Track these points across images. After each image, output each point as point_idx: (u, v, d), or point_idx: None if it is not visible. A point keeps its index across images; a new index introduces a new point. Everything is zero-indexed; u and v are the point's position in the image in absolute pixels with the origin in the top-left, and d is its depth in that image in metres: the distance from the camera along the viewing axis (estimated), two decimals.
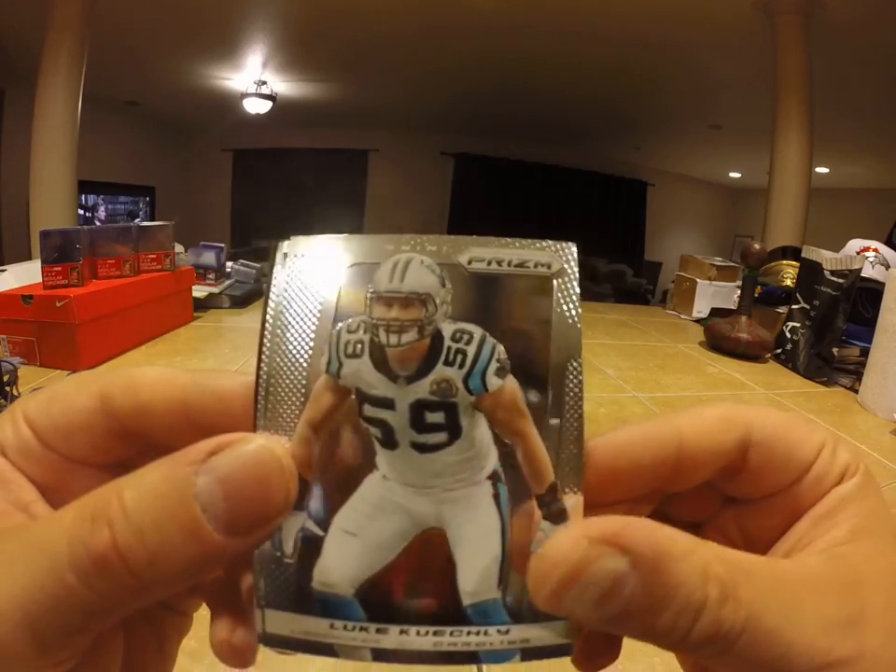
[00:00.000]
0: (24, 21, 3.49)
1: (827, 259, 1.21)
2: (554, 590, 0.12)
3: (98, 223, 5.71)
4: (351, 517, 0.13)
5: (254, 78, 5.15)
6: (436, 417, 0.13)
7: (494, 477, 0.13)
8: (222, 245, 1.43)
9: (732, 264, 1.77)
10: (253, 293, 1.47)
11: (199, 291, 1.31)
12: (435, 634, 0.13)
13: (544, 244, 0.14)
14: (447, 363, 0.13)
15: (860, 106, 4.22)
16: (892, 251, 1.49)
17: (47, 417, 0.15)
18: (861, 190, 6.09)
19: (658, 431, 0.15)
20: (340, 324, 0.13)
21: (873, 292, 1.23)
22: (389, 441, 0.13)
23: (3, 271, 1.10)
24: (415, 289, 0.13)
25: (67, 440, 0.15)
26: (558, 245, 0.14)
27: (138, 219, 5.88)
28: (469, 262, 0.13)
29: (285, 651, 0.13)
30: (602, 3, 3.46)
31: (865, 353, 1.10)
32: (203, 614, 0.17)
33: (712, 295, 1.72)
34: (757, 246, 1.31)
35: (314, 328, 0.13)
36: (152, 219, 5.17)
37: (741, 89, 4.27)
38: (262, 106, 5.43)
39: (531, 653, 0.13)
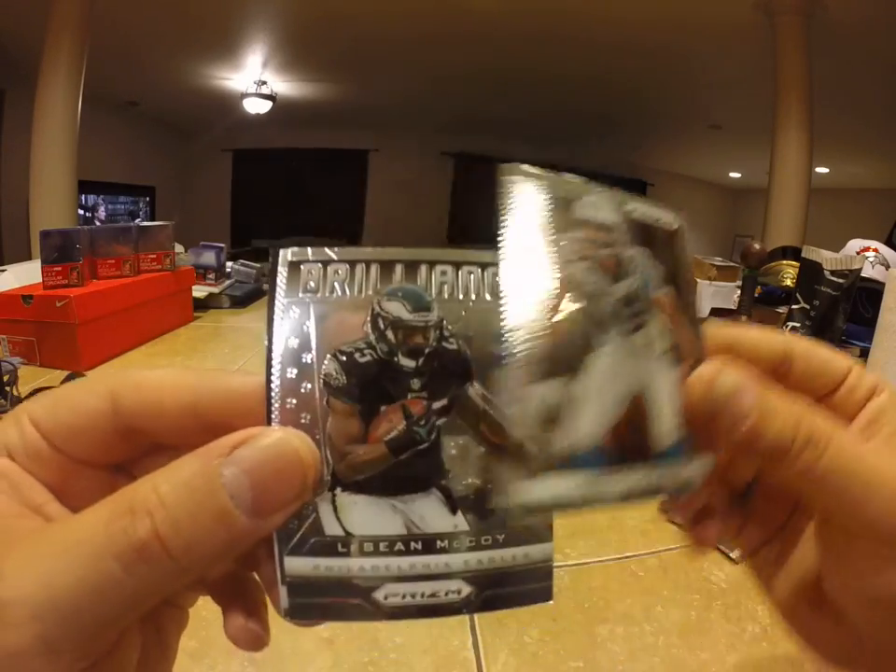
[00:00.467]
0: (24, 21, 3.49)
1: (827, 259, 1.20)
2: (702, 393, 0.17)
3: (98, 223, 5.72)
4: (597, 387, 0.16)
5: (254, 78, 5.15)
6: (634, 309, 0.18)
7: (670, 351, 0.18)
8: (222, 245, 1.43)
9: (732, 264, 1.77)
10: (253, 293, 1.47)
11: (199, 291, 1.31)
12: (644, 474, 0.17)
13: (668, 209, 0.20)
14: (630, 275, 0.18)
15: (860, 106, 4.22)
16: (892, 251, 1.49)
17: (53, 419, 0.15)
18: (862, 190, 6.09)
19: (711, 329, 0.20)
20: (563, 237, 0.17)
21: (873, 292, 1.23)
22: (607, 327, 0.17)
23: (3, 271, 1.10)
24: (609, 221, 0.18)
25: (74, 440, 0.15)
26: (675, 212, 0.20)
27: (138, 219, 5.88)
28: (630, 212, 0.19)
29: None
30: (602, 7, 3.46)
31: (865, 353, 1.10)
32: (203, 616, 0.17)
33: (712, 295, 1.71)
34: (757, 246, 1.31)
35: (553, 237, 0.17)
36: (152, 219, 5.17)
37: (741, 89, 4.27)
38: (262, 106, 5.44)
39: (683, 487, 0.18)
